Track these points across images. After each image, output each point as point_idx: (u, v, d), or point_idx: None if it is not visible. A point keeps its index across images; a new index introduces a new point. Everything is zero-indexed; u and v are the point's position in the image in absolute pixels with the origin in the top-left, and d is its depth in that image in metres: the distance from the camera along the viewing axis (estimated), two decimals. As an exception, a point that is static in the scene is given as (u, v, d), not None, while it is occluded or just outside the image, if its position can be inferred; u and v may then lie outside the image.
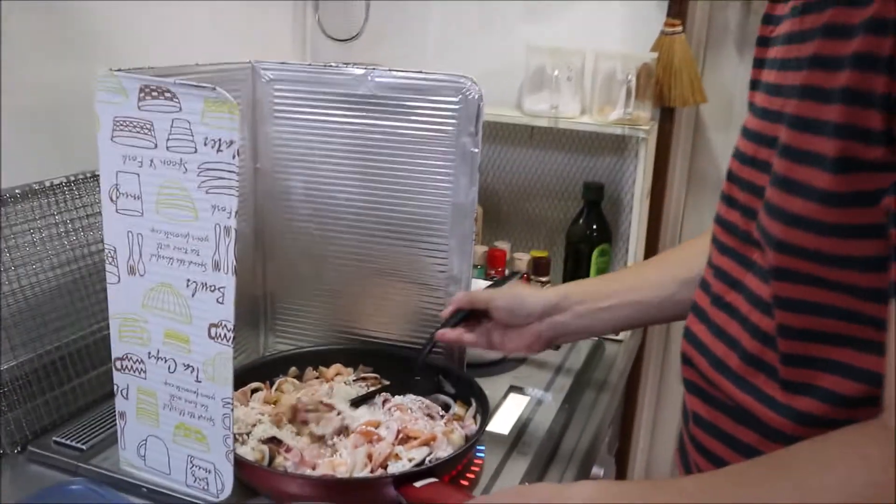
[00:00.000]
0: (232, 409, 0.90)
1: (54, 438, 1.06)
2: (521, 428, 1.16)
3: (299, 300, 1.29)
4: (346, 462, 0.94)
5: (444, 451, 0.97)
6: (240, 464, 0.92)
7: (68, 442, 1.05)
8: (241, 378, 1.13)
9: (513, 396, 1.27)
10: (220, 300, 0.87)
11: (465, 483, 1.00)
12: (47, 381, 1.10)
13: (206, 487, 0.94)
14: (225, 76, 1.15)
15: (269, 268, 1.29)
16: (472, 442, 0.98)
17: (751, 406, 0.69)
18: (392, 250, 1.21)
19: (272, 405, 1.08)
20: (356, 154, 1.19)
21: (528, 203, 1.75)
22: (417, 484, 0.89)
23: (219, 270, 0.87)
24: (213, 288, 0.88)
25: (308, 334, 1.30)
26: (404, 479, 0.90)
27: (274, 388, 1.15)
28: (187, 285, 0.89)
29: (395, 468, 0.93)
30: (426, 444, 0.98)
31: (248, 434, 1.01)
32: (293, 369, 1.21)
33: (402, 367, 1.18)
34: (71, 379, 1.13)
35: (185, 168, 0.86)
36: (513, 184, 1.75)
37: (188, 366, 0.91)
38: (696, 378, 0.77)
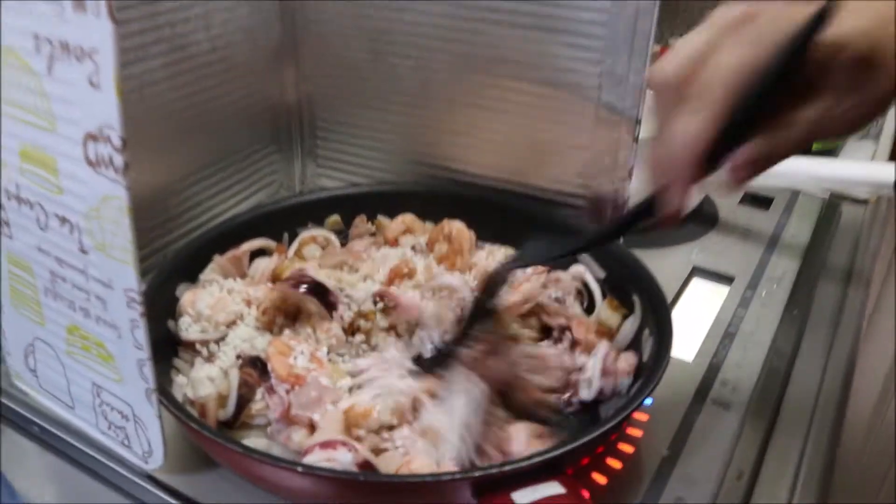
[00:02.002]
0: (144, 312, 0.44)
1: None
2: (716, 351, 0.65)
3: (354, 111, 0.80)
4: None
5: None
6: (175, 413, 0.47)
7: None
8: (245, 229, 0.68)
9: (698, 286, 0.76)
10: (95, 80, 0.39)
11: (615, 465, 0.52)
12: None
13: (126, 442, 0.50)
14: None
15: (304, 56, 0.79)
16: (637, 402, 0.48)
17: None
18: (507, 26, 0.68)
19: (273, 286, 0.62)
20: None
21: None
22: (520, 498, 0.41)
23: (84, 10, 0.38)
24: (79, 53, 0.39)
25: (367, 166, 0.82)
26: (492, 484, 0.42)
27: (293, 248, 0.69)
28: (36, 47, 0.41)
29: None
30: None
31: (220, 342, 0.56)
32: (334, 218, 0.74)
33: (516, 226, 0.70)
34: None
35: None
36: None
37: (63, 219, 0.45)
38: None
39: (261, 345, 0.55)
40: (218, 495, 0.49)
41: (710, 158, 0.41)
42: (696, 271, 0.77)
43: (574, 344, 0.58)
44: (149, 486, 0.49)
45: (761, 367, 0.63)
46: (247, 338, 0.56)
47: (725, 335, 0.67)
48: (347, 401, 0.49)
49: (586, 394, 0.55)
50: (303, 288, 0.56)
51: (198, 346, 0.55)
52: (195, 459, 0.51)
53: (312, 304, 0.55)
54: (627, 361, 0.56)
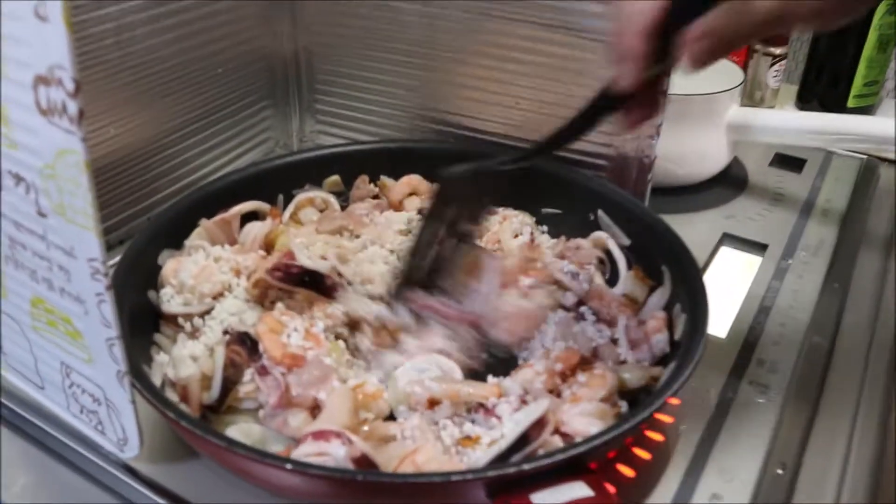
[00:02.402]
0: (110, 287, 0.38)
1: None
2: (751, 327, 0.59)
3: (356, 62, 0.74)
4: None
5: (597, 406, 0.44)
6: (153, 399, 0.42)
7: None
8: (236, 190, 0.62)
9: (727, 255, 0.70)
10: (42, 12, 0.33)
11: (644, 456, 0.47)
12: None
13: (99, 427, 0.45)
14: None
15: (302, 1, 0.73)
16: (671, 389, 0.43)
17: None
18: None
19: (265, 254, 0.56)
20: None
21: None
22: (541, 500, 0.36)
23: (27, -74, 0.32)
24: (24, -22, 0.33)
25: (370, 122, 0.76)
26: (508, 484, 0.37)
27: (288, 212, 0.63)
28: (-23, -27, 0.35)
29: (483, 452, 0.40)
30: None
31: (205, 316, 0.51)
32: (334, 178, 0.68)
33: (532, 189, 0.65)
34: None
35: None
36: None
37: (18, 178, 0.39)
38: None
39: (250, 319, 0.50)
40: (201, 488, 0.44)
41: (666, 33, 0.41)
42: (726, 239, 0.71)
43: (598, 319, 0.53)
44: (124, 477, 0.44)
45: (801, 344, 0.58)
46: (235, 311, 0.50)
47: (760, 309, 0.61)
48: (356, 379, 0.44)
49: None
50: (291, 278, 0.50)
51: (180, 321, 0.50)
52: (177, 447, 0.46)
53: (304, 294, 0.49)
54: (655, 318, 0.50)
